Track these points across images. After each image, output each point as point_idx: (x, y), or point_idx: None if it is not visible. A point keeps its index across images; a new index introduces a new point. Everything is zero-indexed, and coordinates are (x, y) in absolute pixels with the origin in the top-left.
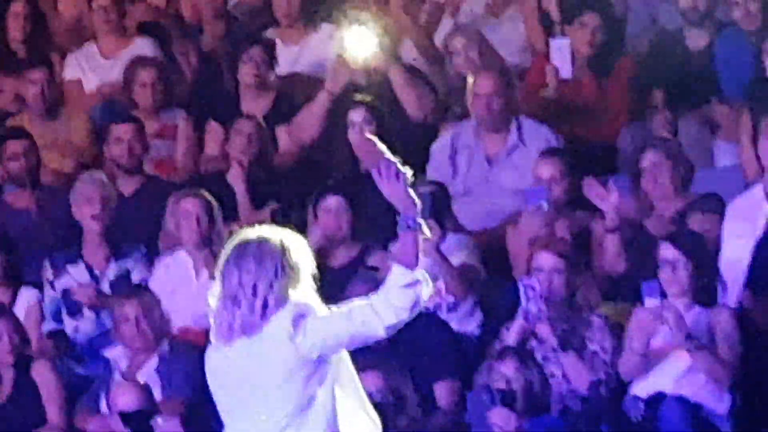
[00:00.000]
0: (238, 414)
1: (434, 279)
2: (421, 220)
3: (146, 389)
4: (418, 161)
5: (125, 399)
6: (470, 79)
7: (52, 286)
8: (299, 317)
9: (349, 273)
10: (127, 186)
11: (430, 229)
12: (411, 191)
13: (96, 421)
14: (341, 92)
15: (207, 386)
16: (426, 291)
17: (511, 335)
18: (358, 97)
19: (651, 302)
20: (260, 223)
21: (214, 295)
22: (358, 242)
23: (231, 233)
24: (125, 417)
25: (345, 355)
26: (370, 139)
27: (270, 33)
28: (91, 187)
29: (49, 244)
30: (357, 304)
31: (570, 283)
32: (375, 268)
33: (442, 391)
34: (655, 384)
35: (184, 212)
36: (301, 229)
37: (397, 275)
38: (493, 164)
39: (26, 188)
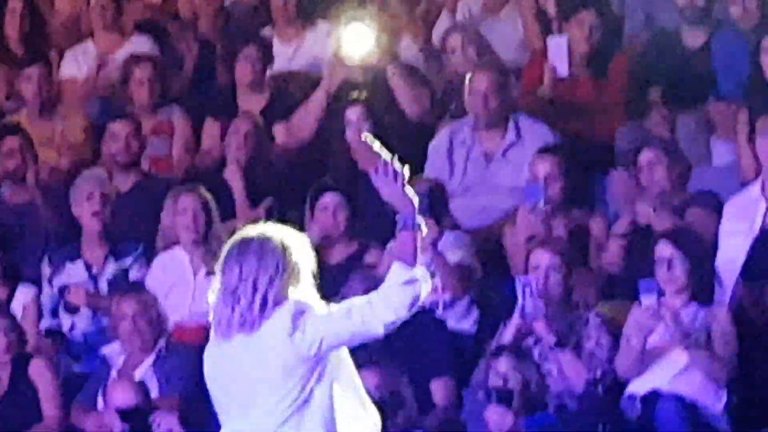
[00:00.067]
0: (235, 411)
1: (431, 276)
2: (419, 219)
3: (143, 386)
4: (416, 159)
5: (122, 396)
6: (467, 77)
7: (50, 283)
8: (298, 315)
9: (347, 270)
10: (124, 183)
11: (427, 227)
12: (409, 190)
13: (92, 418)
14: (338, 90)
15: (204, 384)
16: (425, 289)
17: (507, 333)
18: (355, 95)
19: (648, 300)
20: (256, 220)
21: (214, 291)
22: (356, 240)
23: (234, 230)
24: (122, 414)
25: (344, 353)
26: (367, 139)
27: (266, 31)
28: (91, 185)
29: (46, 242)
30: (356, 302)
31: (567, 281)
32: (372, 266)
33: (439, 389)
34: (652, 382)
35: (181, 209)
36: (299, 226)
37: (396, 273)
38: (490, 162)
39: (23, 185)
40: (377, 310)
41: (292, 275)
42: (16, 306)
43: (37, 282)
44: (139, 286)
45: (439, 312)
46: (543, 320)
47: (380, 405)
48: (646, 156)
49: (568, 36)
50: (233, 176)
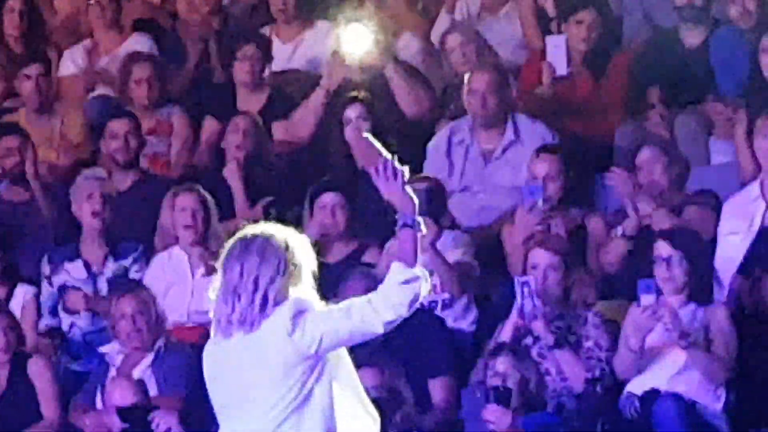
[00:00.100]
0: (234, 410)
1: (430, 275)
2: (419, 218)
3: (142, 385)
4: (415, 159)
5: (121, 394)
6: (466, 77)
7: (50, 282)
8: (298, 313)
9: (345, 269)
10: (123, 181)
11: (427, 226)
12: (408, 189)
13: (91, 417)
14: (337, 89)
15: (203, 383)
16: (425, 288)
17: (504, 333)
18: (354, 94)
19: (646, 299)
20: (256, 219)
21: (215, 289)
22: (354, 238)
23: (233, 230)
24: (121, 413)
25: (344, 352)
26: (367, 138)
27: (266, 30)
28: (91, 184)
29: (45, 241)
30: (356, 301)
31: (565, 280)
32: (371, 265)
33: (437, 388)
34: (651, 381)
35: (180, 208)
36: (298, 225)
37: (396, 272)
38: (488, 161)
39: (22, 184)
40: (377, 309)
41: (293, 275)
42: (15, 305)
43: (35, 281)
44: (137, 285)
45: (438, 311)
46: (542, 319)
47: (379, 404)
48: (644, 155)
49: (567, 35)
50: (232, 175)
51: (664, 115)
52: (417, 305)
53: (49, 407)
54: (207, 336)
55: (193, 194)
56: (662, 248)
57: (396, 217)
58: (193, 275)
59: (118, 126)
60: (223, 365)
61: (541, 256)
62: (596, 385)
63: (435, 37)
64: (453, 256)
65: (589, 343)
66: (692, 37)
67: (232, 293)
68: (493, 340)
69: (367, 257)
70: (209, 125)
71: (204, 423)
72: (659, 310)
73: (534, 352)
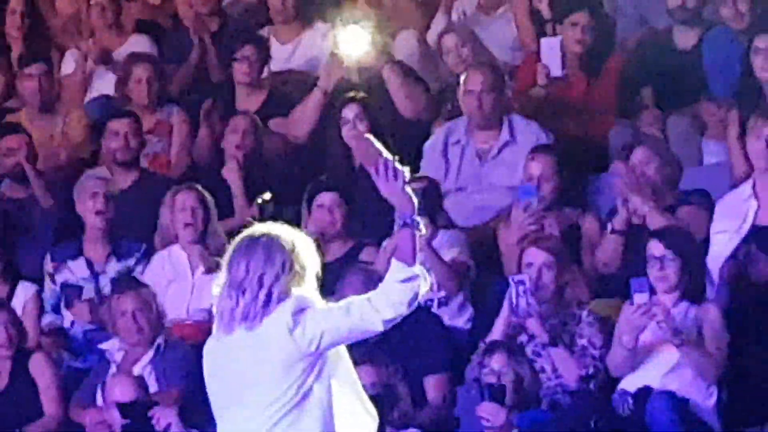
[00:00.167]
0: (233, 407)
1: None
2: (418, 218)
3: (142, 381)
4: (411, 158)
5: (121, 390)
6: (462, 77)
7: (53, 280)
8: (299, 311)
9: (342, 268)
10: (123, 180)
11: (425, 226)
12: (408, 190)
13: (92, 413)
14: (335, 90)
15: (202, 379)
16: (424, 286)
17: (495, 332)
18: (352, 94)
19: (640, 298)
20: (262, 218)
21: (219, 285)
22: (352, 237)
23: (232, 228)
24: (121, 408)
25: (343, 350)
26: (367, 138)
27: (265, 31)
28: (95, 184)
29: (46, 239)
30: (355, 299)
31: (559, 279)
32: (368, 264)
33: (433, 385)
34: (644, 379)
35: (180, 207)
36: (296, 224)
37: (395, 271)
38: (484, 161)
39: (23, 182)
40: (377, 307)
41: (297, 275)
42: (17, 303)
43: (37, 279)
44: (138, 282)
45: (434, 309)
46: (536, 318)
47: (375, 401)
48: (637, 155)
49: (562, 37)
50: (231, 174)
51: (657, 116)
52: (416, 304)
53: (50, 404)
54: (206, 333)
55: (192, 193)
56: (655, 247)
57: (394, 216)
58: (192, 273)
59: (118, 125)
60: (224, 361)
61: (535, 255)
62: (590, 383)
63: (431, 38)
64: (449, 254)
65: (583, 341)
66: (685, 38)
67: (236, 289)
68: (488, 337)
69: (364, 256)
70: (208, 125)
71: (203, 419)
72: (652, 309)
73: (529, 350)
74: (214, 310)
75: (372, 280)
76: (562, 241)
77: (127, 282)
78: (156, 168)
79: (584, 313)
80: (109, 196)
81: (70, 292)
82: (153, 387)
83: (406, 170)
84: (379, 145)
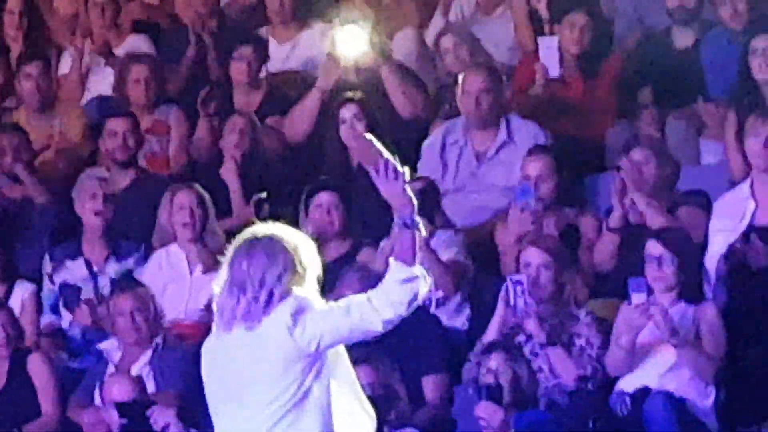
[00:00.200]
0: (230, 406)
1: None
2: (418, 218)
3: (140, 381)
4: (409, 158)
5: (119, 390)
6: (460, 77)
7: (51, 280)
8: (299, 311)
9: (340, 268)
10: (122, 180)
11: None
12: (409, 190)
13: (89, 413)
14: (332, 90)
15: (200, 379)
16: (424, 287)
17: (490, 330)
18: (349, 94)
19: (637, 298)
20: (264, 218)
21: (219, 283)
22: (350, 238)
23: (230, 228)
24: (120, 408)
25: (342, 350)
26: (368, 138)
27: (262, 31)
28: (94, 184)
29: (44, 239)
30: (355, 299)
31: (557, 278)
32: (365, 264)
33: (430, 385)
34: (641, 379)
35: (178, 205)
36: (293, 224)
37: (395, 271)
38: (482, 161)
39: (21, 183)
40: (377, 307)
41: (298, 276)
42: (14, 303)
43: (35, 279)
44: (136, 282)
45: (432, 309)
46: (534, 318)
47: (373, 401)
48: (636, 155)
49: (560, 37)
50: (229, 174)
51: (655, 116)
52: (416, 304)
53: (48, 403)
54: (204, 333)
55: (191, 192)
56: (653, 247)
57: (394, 216)
58: (191, 272)
59: (116, 125)
60: (223, 360)
61: (533, 255)
62: (588, 383)
63: (429, 38)
64: (446, 255)
65: (580, 341)
66: (683, 38)
67: (238, 287)
68: (480, 339)
69: (361, 256)
70: (206, 125)
71: (201, 418)
72: (650, 309)
73: (526, 350)
74: (215, 307)
75: (370, 280)
76: (560, 241)
77: (125, 282)
78: (154, 167)
79: (582, 313)
80: (108, 196)
81: (69, 293)
82: (151, 387)
83: (407, 171)
84: (379, 145)
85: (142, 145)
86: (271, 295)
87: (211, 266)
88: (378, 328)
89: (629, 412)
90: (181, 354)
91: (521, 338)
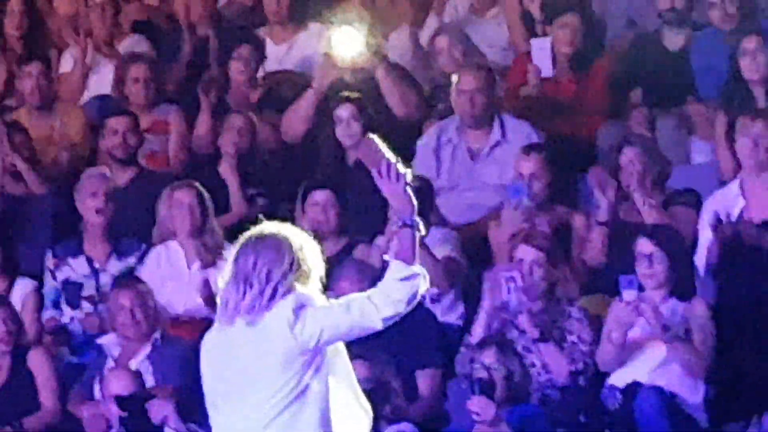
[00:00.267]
0: (228, 400)
1: None
2: (418, 218)
3: (139, 375)
4: (403, 157)
5: (118, 384)
6: (454, 77)
7: (53, 276)
8: (300, 307)
9: (336, 265)
10: (121, 178)
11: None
12: (409, 190)
13: (89, 407)
14: (328, 89)
15: (198, 373)
16: (423, 285)
17: (476, 329)
18: (345, 94)
19: (628, 295)
20: (271, 217)
21: (224, 278)
22: (345, 235)
23: (228, 225)
24: (119, 401)
25: (341, 347)
26: (371, 140)
27: (260, 31)
28: (95, 182)
29: (45, 236)
30: (356, 296)
31: (549, 275)
32: (361, 261)
33: (424, 380)
34: (632, 374)
35: (177, 203)
36: (290, 221)
37: (395, 269)
38: (475, 160)
39: (23, 180)
40: (376, 305)
41: (302, 275)
42: (15, 298)
43: (36, 275)
44: (135, 278)
45: (427, 305)
46: (526, 314)
47: (368, 395)
48: (627, 154)
49: (552, 38)
50: (228, 171)
51: (645, 116)
52: (416, 302)
53: (48, 397)
54: (202, 328)
55: (190, 190)
56: (644, 245)
57: (389, 215)
58: (189, 269)
59: (116, 123)
60: (224, 356)
61: (526, 252)
62: (579, 378)
63: (424, 38)
64: (441, 252)
65: (572, 337)
66: (674, 40)
67: (243, 282)
68: (468, 335)
69: (357, 253)
70: (204, 124)
71: (199, 412)
72: (641, 305)
73: (519, 346)
74: (218, 301)
75: (367, 276)
76: (553, 239)
77: (125, 278)
78: (154, 166)
79: (574, 310)
80: (109, 194)
81: (71, 289)
82: (150, 381)
83: (408, 172)
84: (382, 146)
85: (142, 143)
86: (275, 290)
87: (210, 262)
88: (378, 325)
89: (620, 407)
90: (179, 349)
91: (514, 334)
